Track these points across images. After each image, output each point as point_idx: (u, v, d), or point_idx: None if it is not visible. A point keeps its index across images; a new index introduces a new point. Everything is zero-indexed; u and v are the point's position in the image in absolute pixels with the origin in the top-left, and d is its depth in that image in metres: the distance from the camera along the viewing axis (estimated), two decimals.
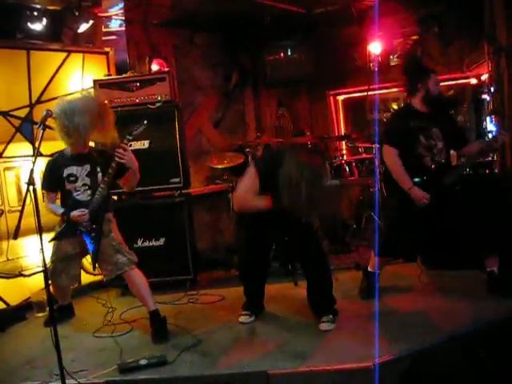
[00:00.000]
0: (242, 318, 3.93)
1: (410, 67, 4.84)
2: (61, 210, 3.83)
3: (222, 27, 6.56)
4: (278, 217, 3.53)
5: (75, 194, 3.84)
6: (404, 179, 3.91)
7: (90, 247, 3.80)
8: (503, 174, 4.66)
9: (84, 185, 3.84)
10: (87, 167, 3.85)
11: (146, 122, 3.80)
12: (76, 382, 3.05)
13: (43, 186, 3.91)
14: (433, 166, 3.93)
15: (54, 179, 3.87)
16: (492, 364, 2.99)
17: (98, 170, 3.85)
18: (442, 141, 3.95)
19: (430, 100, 3.94)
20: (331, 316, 3.65)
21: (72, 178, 3.84)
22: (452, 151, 4.14)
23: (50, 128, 3.64)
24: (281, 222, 3.61)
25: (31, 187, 2.84)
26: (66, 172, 3.84)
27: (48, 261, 3.91)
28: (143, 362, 3.21)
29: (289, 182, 3.29)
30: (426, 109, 3.98)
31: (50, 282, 3.94)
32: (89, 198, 3.82)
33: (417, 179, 3.89)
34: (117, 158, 3.67)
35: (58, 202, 3.96)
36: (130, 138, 3.77)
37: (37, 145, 3.12)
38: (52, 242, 3.90)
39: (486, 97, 5.98)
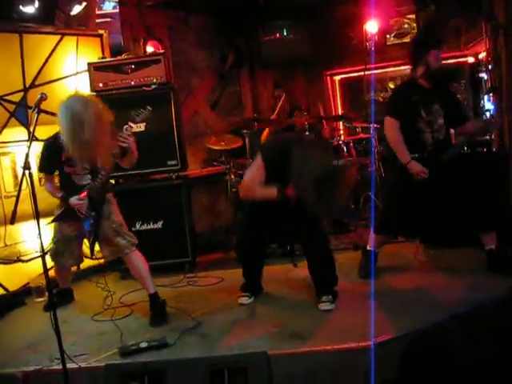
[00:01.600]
0: (242, 300, 3.94)
1: (413, 41, 4.83)
2: (60, 194, 3.80)
3: (216, 7, 6.47)
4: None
5: (74, 177, 3.78)
6: (403, 152, 3.93)
7: (88, 233, 3.78)
8: (501, 153, 4.65)
9: (84, 168, 3.77)
10: None
11: (149, 107, 3.73)
12: (77, 366, 3.05)
13: (40, 169, 3.86)
14: (431, 142, 3.93)
15: (52, 162, 3.80)
16: (491, 343, 3.00)
17: None
18: (442, 117, 3.95)
19: (431, 75, 3.93)
20: (331, 296, 3.66)
21: (71, 162, 3.75)
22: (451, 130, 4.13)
23: (45, 112, 3.59)
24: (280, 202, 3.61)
25: (27, 172, 2.81)
26: (64, 155, 3.76)
27: (49, 242, 3.91)
28: (144, 344, 3.22)
29: (298, 177, 3.30)
30: (429, 84, 3.97)
31: (53, 263, 3.99)
32: (88, 181, 3.76)
33: (415, 155, 3.90)
34: (119, 143, 3.59)
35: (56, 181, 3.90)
36: (134, 123, 3.68)
37: (32, 129, 3.08)
38: (51, 224, 3.88)
39: (483, 75, 5.94)
